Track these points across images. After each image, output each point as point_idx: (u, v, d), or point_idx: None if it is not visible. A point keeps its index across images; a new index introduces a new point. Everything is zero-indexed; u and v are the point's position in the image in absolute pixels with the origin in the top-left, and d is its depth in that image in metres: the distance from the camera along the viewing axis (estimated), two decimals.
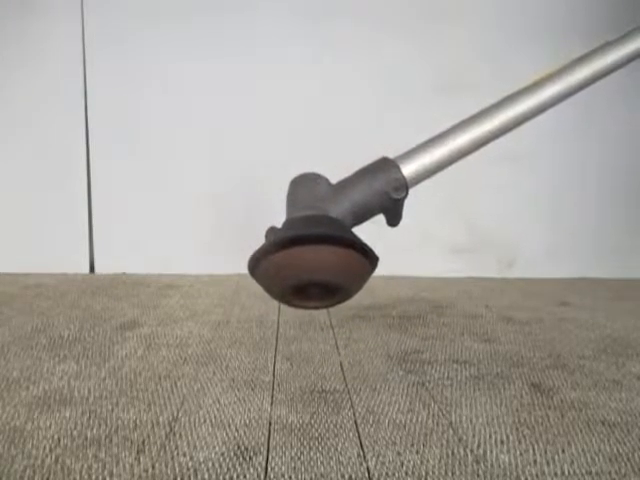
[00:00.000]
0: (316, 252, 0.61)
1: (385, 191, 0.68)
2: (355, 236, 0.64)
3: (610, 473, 0.50)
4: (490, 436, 0.57)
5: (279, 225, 0.66)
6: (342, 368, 0.76)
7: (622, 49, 0.76)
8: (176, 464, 0.50)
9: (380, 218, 0.70)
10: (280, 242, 0.62)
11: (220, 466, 0.50)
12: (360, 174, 0.70)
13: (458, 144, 0.72)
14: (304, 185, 0.71)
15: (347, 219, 0.67)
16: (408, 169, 0.69)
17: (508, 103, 0.74)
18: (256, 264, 0.64)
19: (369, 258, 0.64)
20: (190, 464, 0.50)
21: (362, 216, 0.69)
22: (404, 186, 0.68)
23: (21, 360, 0.76)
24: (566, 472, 0.50)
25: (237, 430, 0.57)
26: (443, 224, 1.48)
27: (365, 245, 0.63)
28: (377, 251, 0.64)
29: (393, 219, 0.70)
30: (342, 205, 0.67)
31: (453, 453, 0.53)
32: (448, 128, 0.73)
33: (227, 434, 0.56)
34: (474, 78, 1.38)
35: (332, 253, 0.62)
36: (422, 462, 0.51)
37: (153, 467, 0.49)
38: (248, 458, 0.51)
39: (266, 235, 0.66)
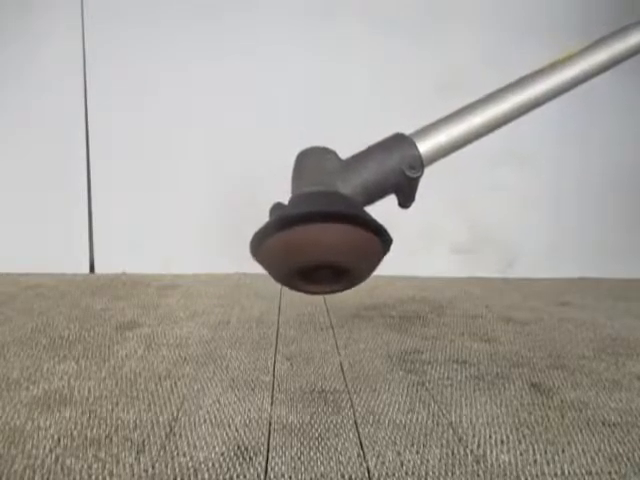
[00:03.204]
0: (326, 231, 0.57)
1: (400, 169, 0.63)
2: (368, 215, 0.60)
3: (610, 473, 0.50)
4: (490, 436, 0.57)
5: (285, 201, 0.61)
6: (342, 368, 0.76)
7: None
8: (176, 464, 0.50)
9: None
10: (286, 219, 0.57)
11: (220, 466, 0.50)
12: (373, 150, 0.65)
13: (477, 122, 0.68)
14: (312, 159, 0.66)
15: (358, 197, 0.62)
16: (424, 146, 0.65)
17: (529, 82, 0.70)
18: (259, 244, 0.59)
19: (383, 239, 0.60)
20: (190, 464, 0.50)
21: (374, 195, 0.64)
22: (420, 164, 0.64)
23: (21, 360, 0.76)
24: (566, 472, 0.50)
25: (237, 430, 0.57)
26: (444, 224, 1.48)
27: (379, 224, 0.59)
28: None
29: (406, 200, 0.66)
30: (353, 182, 0.62)
31: (453, 453, 0.53)
32: (467, 105, 0.69)
33: (227, 434, 0.56)
34: (475, 77, 1.38)
35: (343, 232, 0.57)
36: (422, 462, 0.51)
37: (153, 467, 0.49)
38: (248, 458, 0.51)
39: (270, 212, 0.61)
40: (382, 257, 0.63)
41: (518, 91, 0.70)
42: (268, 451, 0.53)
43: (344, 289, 0.67)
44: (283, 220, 0.57)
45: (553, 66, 0.72)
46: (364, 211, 0.61)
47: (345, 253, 0.59)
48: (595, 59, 0.73)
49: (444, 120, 0.69)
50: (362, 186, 0.63)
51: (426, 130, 0.67)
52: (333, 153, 0.67)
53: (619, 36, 0.74)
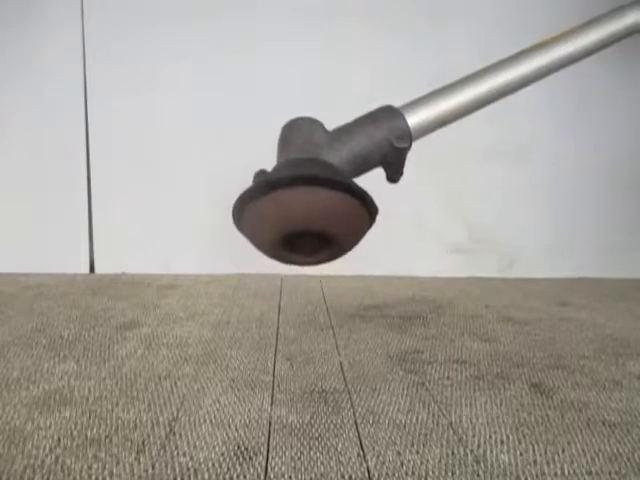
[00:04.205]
0: (309, 195, 0.55)
1: (387, 139, 0.62)
2: (353, 182, 0.58)
3: (610, 473, 0.50)
4: (490, 436, 0.57)
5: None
6: (342, 368, 0.76)
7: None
8: (176, 464, 0.50)
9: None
10: (269, 184, 0.55)
11: (220, 466, 0.50)
12: (361, 121, 0.65)
13: (466, 97, 0.67)
14: (298, 130, 0.66)
15: (344, 167, 0.61)
16: (413, 119, 0.65)
17: (519, 59, 0.70)
18: (241, 210, 0.57)
19: (368, 207, 0.58)
20: (190, 464, 0.50)
21: (361, 166, 0.63)
22: (408, 135, 0.64)
23: (21, 360, 0.76)
24: (566, 472, 0.50)
25: (237, 430, 0.57)
26: (443, 224, 1.48)
27: (364, 192, 0.57)
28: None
29: (394, 173, 0.65)
30: (339, 152, 0.61)
31: (453, 453, 0.53)
32: (457, 80, 0.69)
33: (227, 434, 0.56)
34: None
35: (327, 197, 0.55)
36: (422, 462, 0.51)
37: (153, 467, 0.49)
38: (248, 458, 0.51)
39: (254, 178, 0.60)
40: (368, 226, 0.62)
41: (509, 68, 0.70)
42: (268, 451, 0.53)
43: (328, 260, 0.65)
44: (265, 185, 0.56)
45: (544, 43, 0.72)
46: (349, 178, 0.60)
47: (330, 220, 0.57)
48: (588, 38, 0.72)
49: (433, 94, 0.68)
50: (349, 156, 0.62)
51: (415, 103, 0.67)
52: (319, 124, 0.66)
53: (613, 16, 0.74)
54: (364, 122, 0.64)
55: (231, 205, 0.60)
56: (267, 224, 0.58)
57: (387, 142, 0.63)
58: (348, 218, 0.59)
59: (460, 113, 0.68)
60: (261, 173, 0.60)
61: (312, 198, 0.55)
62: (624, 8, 0.76)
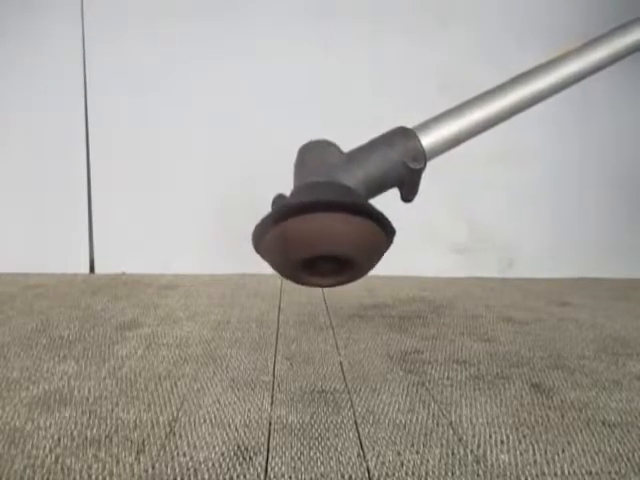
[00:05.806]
0: (329, 220, 0.56)
1: (402, 161, 0.63)
2: (371, 205, 0.59)
3: (610, 473, 0.50)
4: (490, 436, 0.56)
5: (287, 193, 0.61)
6: (342, 368, 0.76)
7: None
8: (176, 464, 0.50)
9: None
10: (288, 210, 0.56)
11: (220, 466, 0.50)
12: (375, 142, 0.66)
13: (480, 116, 0.68)
14: (314, 152, 0.67)
15: (360, 189, 0.62)
16: (427, 139, 0.66)
17: (532, 76, 0.70)
18: (261, 236, 0.58)
19: (386, 230, 0.59)
20: (190, 464, 0.50)
21: (377, 187, 0.64)
22: (422, 156, 0.64)
23: (21, 360, 0.76)
24: (566, 472, 0.50)
25: (237, 430, 0.57)
26: (443, 224, 1.48)
27: (382, 215, 0.58)
28: None
29: (409, 193, 0.66)
30: (355, 174, 0.62)
31: (453, 453, 0.53)
32: (469, 99, 0.70)
33: (227, 434, 0.56)
34: (476, 78, 1.38)
35: (346, 222, 0.56)
36: (422, 462, 0.51)
37: (153, 467, 0.49)
38: (248, 458, 0.51)
39: (273, 203, 0.61)
40: (386, 249, 0.63)
41: (521, 85, 0.70)
42: (268, 451, 0.53)
43: (348, 281, 0.66)
44: (285, 211, 0.56)
45: (555, 60, 0.72)
46: (367, 201, 0.61)
47: (349, 244, 0.58)
48: (596, 55, 0.73)
49: (446, 114, 0.69)
50: (364, 178, 0.63)
51: (429, 123, 0.68)
52: (335, 146, 0.66)
53: (621, 32, 0.74)
54: (379, 144, 0.65)
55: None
56: (288, 249, 0.59)
57: (402, 163, 0.64)
58: (367, 241, 0.59)
59: (474, 132, 0.69)
60: (279, 198, 0.61)
61: (331, 223, 0.56)
62: (630, 24, 0.76)
